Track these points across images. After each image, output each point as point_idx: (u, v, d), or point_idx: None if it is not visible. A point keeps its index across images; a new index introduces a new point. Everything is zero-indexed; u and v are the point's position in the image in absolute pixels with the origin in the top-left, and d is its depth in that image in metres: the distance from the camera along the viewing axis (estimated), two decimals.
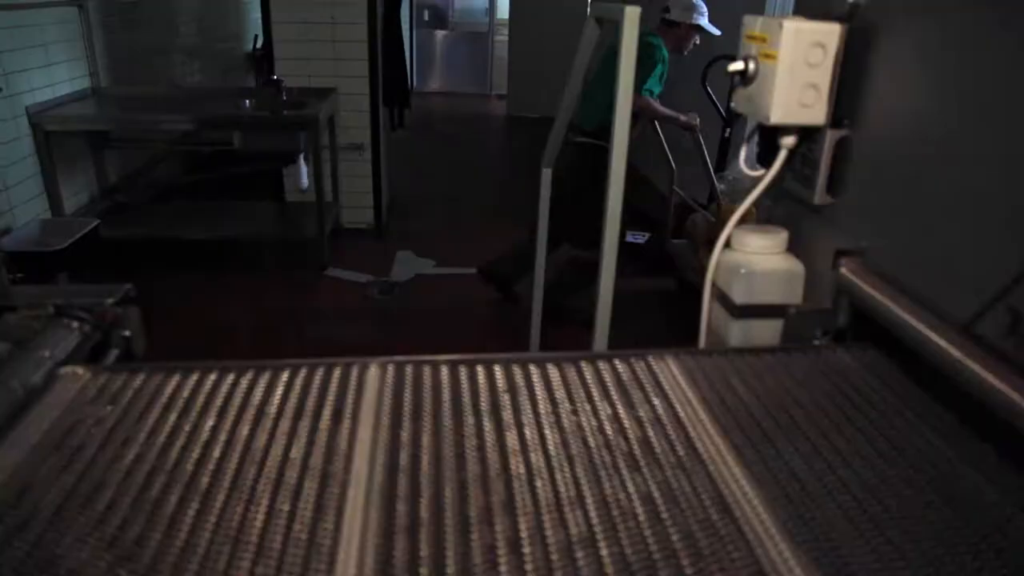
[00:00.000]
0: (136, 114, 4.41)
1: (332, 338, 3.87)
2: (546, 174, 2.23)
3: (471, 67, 11.91)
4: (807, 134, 1.14)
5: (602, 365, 0.98)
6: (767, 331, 1.13)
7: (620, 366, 0.98)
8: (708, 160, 4.10)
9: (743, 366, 0.97)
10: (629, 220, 5.29)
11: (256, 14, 8.42)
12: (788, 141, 1.12)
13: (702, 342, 1.22)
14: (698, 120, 3.95)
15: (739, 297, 1.13)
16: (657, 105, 3.71)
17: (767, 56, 1.02)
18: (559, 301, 3.58)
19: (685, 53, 3.84)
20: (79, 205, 4.45)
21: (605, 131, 3.36)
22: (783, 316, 1.13)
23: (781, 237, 1.15)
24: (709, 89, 4.66)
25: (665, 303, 4.45)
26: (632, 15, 1.29)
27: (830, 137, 1.11)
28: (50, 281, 3.36)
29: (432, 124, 9.31)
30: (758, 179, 1.16)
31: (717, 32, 3.81)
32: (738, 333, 1.14)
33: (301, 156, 4.69)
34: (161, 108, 4.51)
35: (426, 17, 11.72)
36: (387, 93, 5.30)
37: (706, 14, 3.73)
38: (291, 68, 4.89)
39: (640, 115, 3.57)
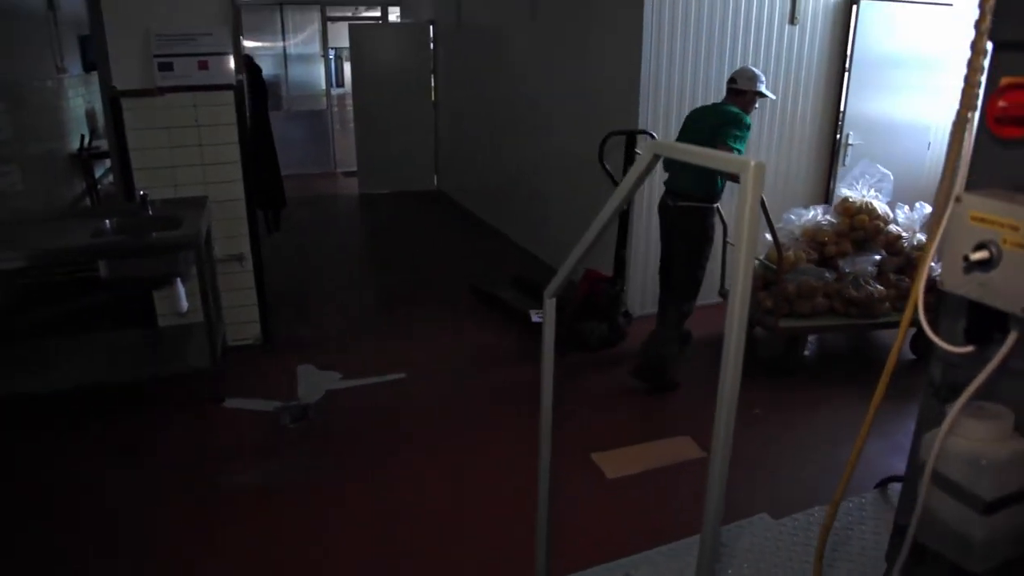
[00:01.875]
0: None
1: (254, 486, 3.39)
2: (550, 304, 2.02)
3: (313, 146, 11.52)
4: None
5: None
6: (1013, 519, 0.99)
7: None
8: (770, 217, 4.33)
9: None
10: (539, 300, 5.20)
11: (79, 111, 7.64)
12: None
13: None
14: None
15: (988, 492, 0.99)
16: None
17: (1021, 246, 0.91)
18: (661, 364, 4.27)
19: (749, 115, 4.27)
20: None
21: (698, 193, 4.02)
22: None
23: (1009, 420, 1.03)
24: (606, 165, 4.69)
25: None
26: (758, 171, 1.14)
27: None
28: None
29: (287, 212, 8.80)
30: (964, 354, 1.03)
31: (774, 97, 4.70)
32: (986, 529, 0.99)
33: (178, 278, 4.17)
34: None
35: None
36: (261, 195, 4.89)
37: (765, 82, 4.25)
38: (153, 178, 4.38)
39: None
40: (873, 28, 5.44)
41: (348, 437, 3.79)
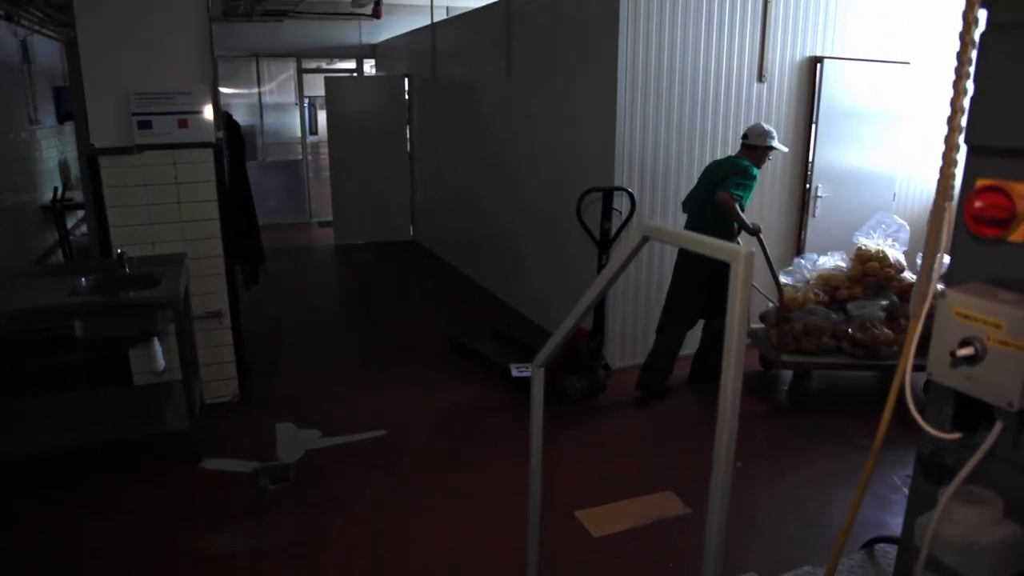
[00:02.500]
0: None
1: (233, 550, 3.31)
2: (538, 373, 2.04)
3: (288, 196, 11.53)
4: None
5: None
6: None
7: None
8: (771, 262, 4.82)
9: None
10: (518, 354, 5.23)
11: (52, 162, 7.60)
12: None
13: None
14: (761, 227, 4.72)
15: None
16: (735, 206, 4.48)
17: (1005, 343, 0.96)
18: (656, 380, 4.89)
19: (760, 168, 4.78)
20: None
21: (711, 235, 4.11)
22: None
23: (997, 505, 1.06)
24: (583, 220, 4.77)
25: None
26: (747, 260, 1.18)
27: None
28: None
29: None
30: (952, 439, 1.07)
31: (785, 149, 5.01)
32: None
33: (156, 337, 4.13)
34: None
35: None
36: (239, 250, 4.88)
37: (776, 136, 4.70)
38: (130, 235, 4.35)
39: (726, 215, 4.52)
40: (837, 84, 5.63)
41: (329, 498, 3.74)
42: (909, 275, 4.92)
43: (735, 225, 4.61)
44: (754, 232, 4.65)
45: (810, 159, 5.78)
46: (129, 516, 3.57)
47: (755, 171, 4.60)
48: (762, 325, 5.20)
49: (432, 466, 4.08)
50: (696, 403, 4.96)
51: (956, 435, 1.10)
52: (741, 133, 4.93)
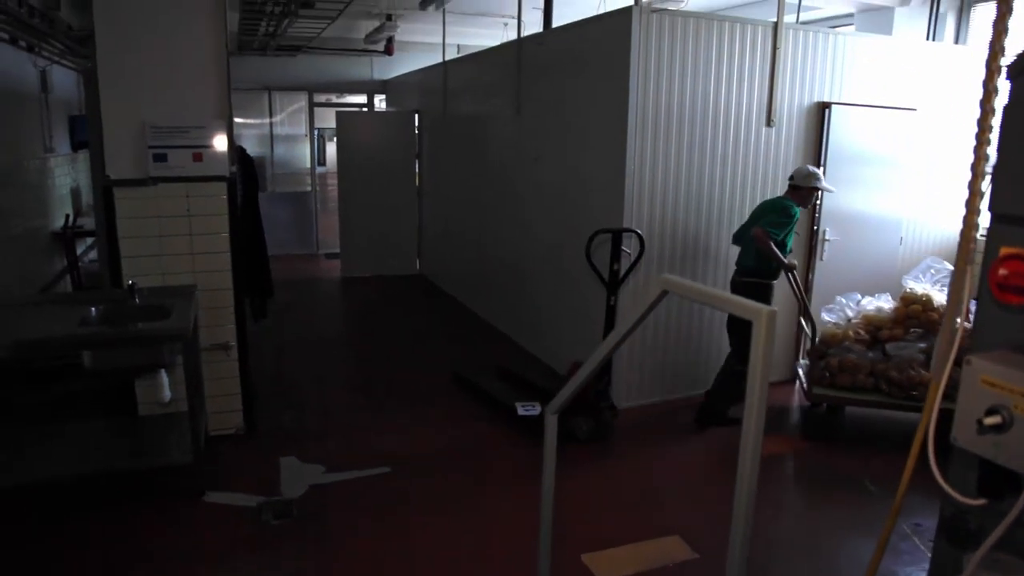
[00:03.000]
0: None
1: None
2: (552, 420, 2.03)
3: (296, 228, 11.60)
4: None
5: None
6: None
7: None
8: (805, 298, 5.15)
9: None
10: (524, 392, 5.21)
11: (64, 189, 7.66)
12: None
13: None
14: (796, 264, 5.05)
15: None
16: (768, 242, 4.76)
17: None
18: (719, 407, 5.08)
19: (806, 207, 5.21)
20: None
21: (757, 270, 4.92)
22: None
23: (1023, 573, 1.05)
24: (592, 261, 4.79)
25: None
26: (769, 319, 1.19)
27: None
28: None
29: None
30: (977, 505, 1.07)
31: (832, 189, 5.24)
32: None
33: (163, 370, 4.13)
34: None
35: None
36: (249, 282, 4.90)
37: (822, 177, 5.04)
38: (141, 266, 4.37)
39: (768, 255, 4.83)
40: (844, 129, 5.69)
41: (331, 535, 3.70)
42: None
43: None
44: (788, 269, 4.92)
45: (818, 202, 5.81)
46: (131, 548, 3.54)
47: (796, 211, 4.92)
48: (807, 361, 5.37)
49: (435, 504, 4.05)
50: (703, 445, 4.93)
51: (981, 501, 1.10)
52: (750, 177, 5.02)
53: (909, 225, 6.32)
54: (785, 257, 4.88)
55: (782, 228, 4.84)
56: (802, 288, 5.03)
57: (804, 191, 5.00)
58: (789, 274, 4.95)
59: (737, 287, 5.02)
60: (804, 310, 5.17)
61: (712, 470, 4.62)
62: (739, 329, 4.93)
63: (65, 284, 7.34)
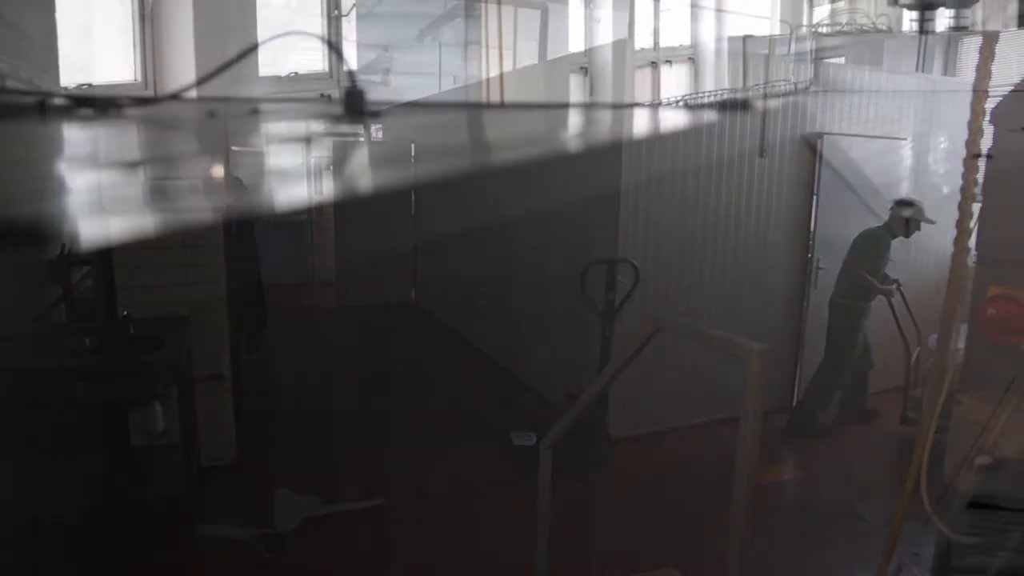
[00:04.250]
0: None
1: None
2: (547, 454, 2.03)
3: (291, 255, 11.56)
4: None
5: None
6: None
7: None
8: (898, 317, 5.46)
9: None
10: (523, 422, 5.21)
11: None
12: None
13: None
14: (894, 288, 5.45)
15: None
16: (873, 282, 5.29)
17: None
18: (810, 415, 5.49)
19: (907, 235, 5.50)
20: None
21: (851, 292, 5.46)
22: None
23: None
24: (586, 291, 4.80)
25: None
26: (761, 357, 1.20)
27: None
28: None
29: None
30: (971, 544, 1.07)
31: (935, 222, 5.21)
32: None
33: (156, 401, 4.10)
34: None
35: None
36: (244, 314, 4.90)
37: (922, 208, 5.37)
38: (136, 296, 4.37)
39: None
40: (837, 158, 5.74)
41: (324, 568, 3.67)
42: None
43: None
44: (888, 295, 5.39)
45: (811, 230, 5.85)
46: None
47: (888, 239, 5.40)
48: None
49: (429, 536, 4.01)
50: (703, 473, 4.90)
51: (976, 539, 1.10)
52: (743, 206, 5.09)
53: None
54: (880, 281, 5.34)
55: (874, 262, 5.33)
56: (895, 309, 5.42)
57: (902, 219, 5.40)
58: (890, 301, 5.38)
59: (835, 307, 5.52)
60: (900, 332, 5.44)
61: (712, 501, 4.59)
62: (830, 335, 5.51)
63: (60, 313, 7.31)
